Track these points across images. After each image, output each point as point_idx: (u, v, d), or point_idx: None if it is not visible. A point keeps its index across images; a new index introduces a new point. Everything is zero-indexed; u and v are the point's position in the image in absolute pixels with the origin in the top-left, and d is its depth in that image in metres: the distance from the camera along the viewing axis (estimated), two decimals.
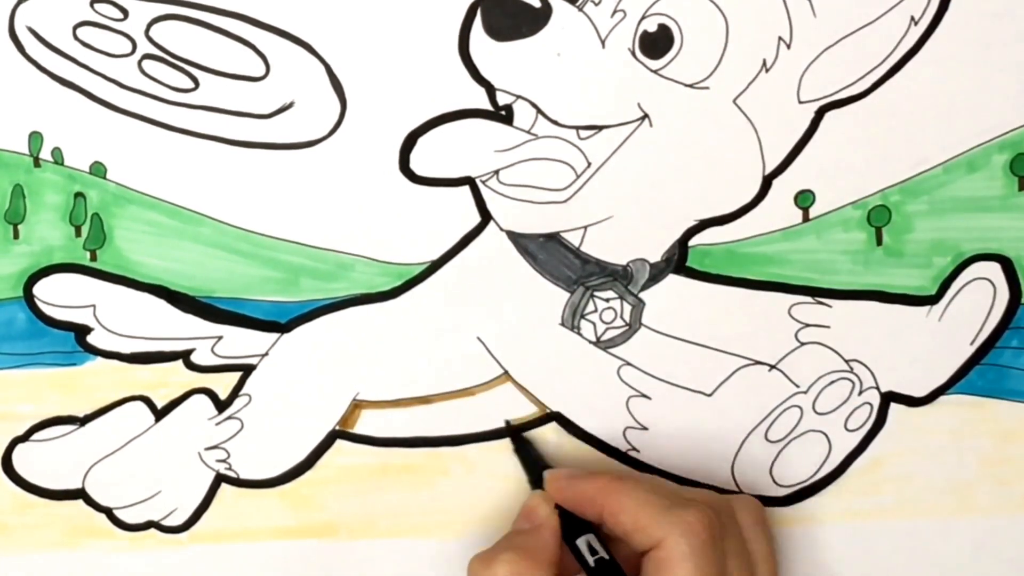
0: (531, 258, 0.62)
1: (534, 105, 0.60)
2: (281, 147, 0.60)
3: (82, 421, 0.61)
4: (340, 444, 0.62)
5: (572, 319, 0.62)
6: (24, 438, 0.61)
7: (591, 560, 0.57)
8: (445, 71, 0.60)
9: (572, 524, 0.58)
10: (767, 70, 0.60)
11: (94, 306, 0.60)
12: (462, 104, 0.60)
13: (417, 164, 0.60)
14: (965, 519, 0.64)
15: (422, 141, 0.60)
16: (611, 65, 0.60)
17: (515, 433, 0.62)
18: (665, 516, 0.55)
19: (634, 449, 0.63)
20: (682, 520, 0.55)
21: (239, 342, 0.61)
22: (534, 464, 0.61)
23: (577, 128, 0.60)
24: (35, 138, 0.60)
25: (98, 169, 0.60)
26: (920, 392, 0.63)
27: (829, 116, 0.61)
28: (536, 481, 0.60)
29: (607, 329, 0.62)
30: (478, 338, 0.62)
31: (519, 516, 0.59)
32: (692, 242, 0.62)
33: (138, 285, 0.60)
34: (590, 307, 0.62)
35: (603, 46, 0.60)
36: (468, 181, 0.61)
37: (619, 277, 0.62)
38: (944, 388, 0.63)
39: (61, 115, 0.59)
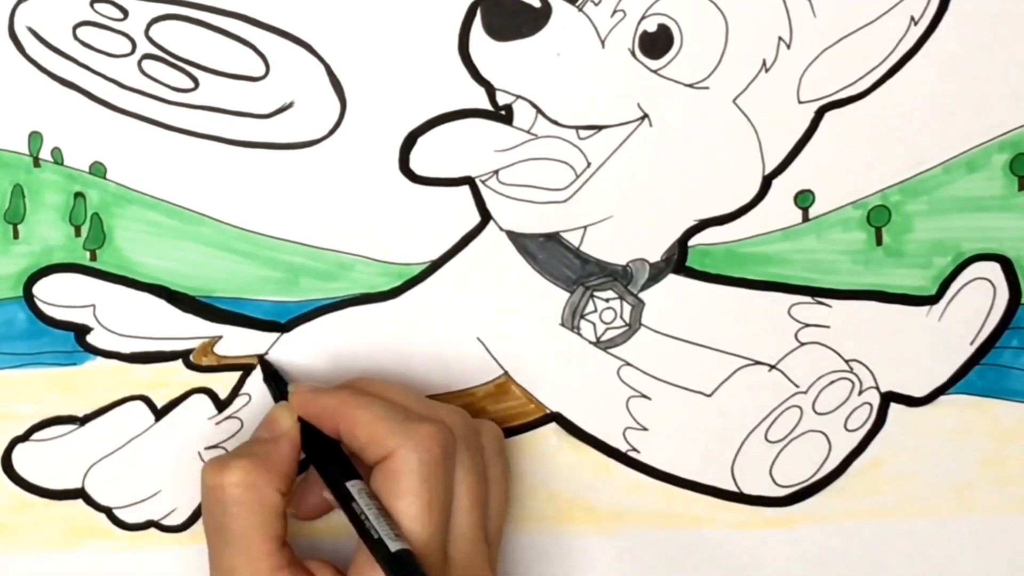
0: (531, 258, 0.62)
1: (534, 105, 0.60)
2: (281, 147, 0.60)
3: (82, 421, 0.61)
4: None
5: (572, 319, 0.62)
6: (24, 438, 0.61)
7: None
8: (445, 71, 0.60)
9: (313, 439, 0.57)
10: (767, 70, 0.60)
11: (94, 306, 0.60)
12: (462, 104, 0.60)
13: (417, 164, 0.60)
14: (965, 519, 0.64)
15: (422, 141, 0.60)
16: (611, 65, 0.60)
17: (262, 360, 0.61)
18: (399, 429, 0.55)
19: (634, 449, 0.63)
20: (415, 433, 0.54)
21: (239, 342, 0.61)
22: (280, 383, 0.60)
23: (577, 128, 0.60)
24: (35, 138, 0.60)
25: (98, 169, 0.60)
26: (920, 392, 0.63)
27: (829, 116, 0.61)
28: (278, 399, 0.60)
29: (607, 329, 0.62)
30: (478, 338, 0.62)
31: (260, 425, 0.58)
32: (692, 242, 0.62)
33: (138, 285, 0.60)
34: (590, 307, 0.62)
35: (603, 46, 0.60)
36: (468, 181, 0.61)
37: (619, 277, 0.62)
38: (944, 388, 0.63)
39: (61, 115, 0.59)
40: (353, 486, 0.55)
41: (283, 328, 0.61)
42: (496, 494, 0.58)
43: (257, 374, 0.61)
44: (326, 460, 0.57)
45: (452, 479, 0.56)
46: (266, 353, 0.61)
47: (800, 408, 0.62)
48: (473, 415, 0.61)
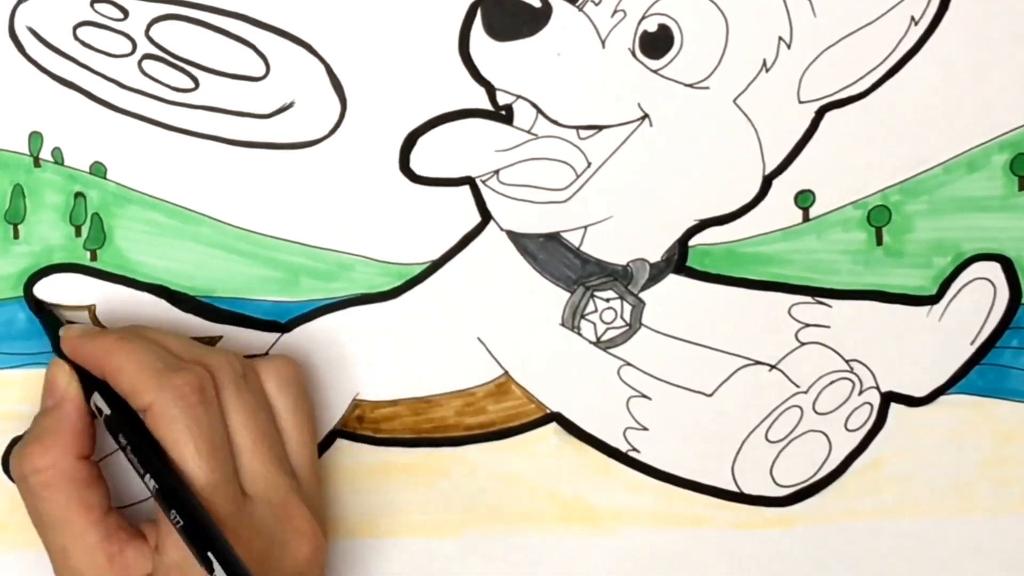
0: (531, 258, 0.62)
1: (534, 105, 0.60)
2: (281, 147, 0.60)
3: None
4: (340, 444, 0.62)
5: (572, 319, 0.62)
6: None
7: (101, 419, 0.55)
8: (445, 71, 0.60)
9: (89, 385, 0.56)
10: (767, 70, 0.60)
11: (94, 306, 0.60)
12: (462, 104, 0.60)
13: (417, 164, 0.60)
14: (965, 519, 0.64)
15: (422, 141, 0.60)
16: (611, 65, 0.60)
17: (32, 298, 0.59)
18: (156, 379, 0.54)
19: (634, 449, 0.63)
20: (170, 384, 0.54)
21: (239, 342, 0.61)
22: (54, 328, 0.59)
23: (577, 128, 0.60)
24: (35, 138, 0.59)
25: (98, 169, 0.60)
26: (920, 392, 0.63)
27: (829, 116, 0.61)
28: (55, 347, 0.58)
29: (607, 329, 0.62)
30: (478, 338, 0.62)
31: (43, 391, 0.57)
32: (692, 242, 0.62)
33: (138, 285, 0.60)
34: (590, 307, 0.62)
35: (603, 46, 0.60)
36: (468, 181, 0.61)
37: (619, 277, 0.62)
38: (944, 388, 0.63)
39: (61, 115, 0.59)
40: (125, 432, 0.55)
41: (283, 328, 0.61)
42: (292, 427, 0.57)
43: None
44: (106, 405, 0.56)
45: (220, 422, 0.55)
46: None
47: (800, 408, 0.62)
48: (473, 415, 0.61)
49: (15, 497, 0.58)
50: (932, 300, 0.62)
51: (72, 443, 0.56)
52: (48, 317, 0.59)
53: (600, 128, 0.61)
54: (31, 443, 0.56)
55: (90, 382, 0.57)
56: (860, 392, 0.63)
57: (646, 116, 0.60)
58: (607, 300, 0.62)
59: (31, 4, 0.59)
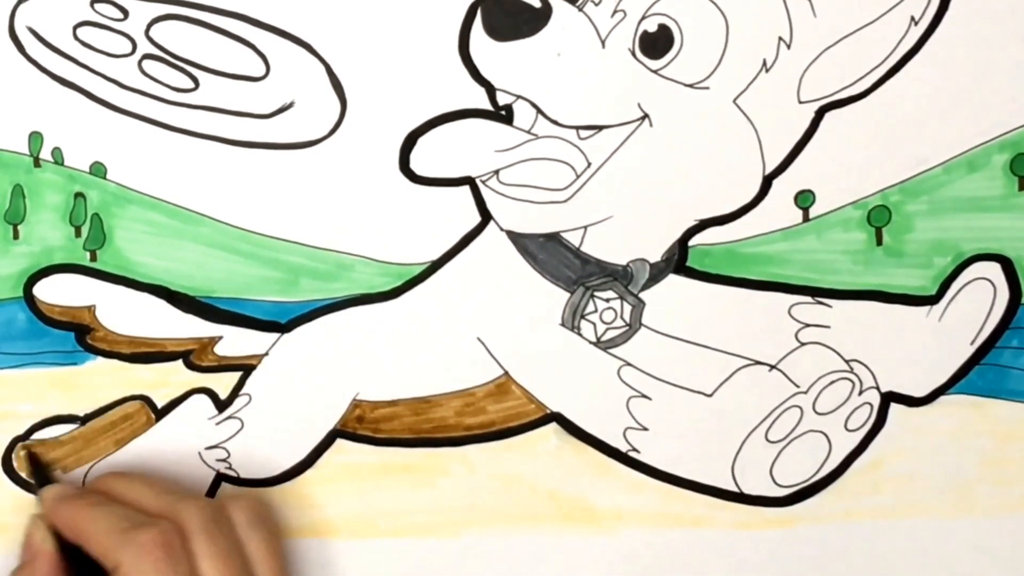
0: (531, 258, 0.62)
1: (534, 105, 0.60)
2: (281, 147, 0.60)
3: (82, 421, 0.61)
4: (340, 444, 0.62)
5: (572, 319, 0.62)
6: (24, 438, 0.61)
7: None
8: (445, 71, 0.60)
9: (67, 547, 0.57)
10: (767, 70, 0.60)
11: (94, 306, 0.60)
12: (462, 104, 0.60)
13: (417, 164, 0.60)
14: (965, 519, 0.64)
15: (422, 141, 0.60)
16: (611, 65, 0.60)
17: (29, 453, 0.61)
18: (119, 541, 0.55)
19: (634, 449, 0.63)
20: (135, 543, 0.55)
21: (239, 342, 0.61)
22: (42, 481, 0.60)
23: (577, 128, 0.60)
24: (35, 138, 0.60)
25: (98, 169, 0.60)
26: (920, 392, 0.63)
27: (829, 116, 0.61)
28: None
29: (607, 329, 0.62)
30: (478, 338, 0.62)
31: (22, 547, 0.59)
32: (692, 242, 0.62)
33: (138, 285, 0.60)
34: (590, 307, 0.62)
35: (603, 46, 0.60)
36: (468, 181, 0.61)
37: (619, 277, 0.62)
38: (944, 388, 0.63)
39: (61, 115, 0.59)
40: None
41: (283, 328, 0.61)
42: (265, 562, 0.58)
43: (257, 374, 0.61)
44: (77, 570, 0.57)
45: (187, 572, 0.56)
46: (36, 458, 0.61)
47: (800, 408, 0.62)
48: (473, 415, 0.61)
49: (15, 497, 0.58)
50: (932, 300, 0.62)
51: None
52: (39, 474, 0.60)
53: (600, 128, 0.61)
54: None
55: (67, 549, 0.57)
56: (860, 392, 0.63)
57: (646, 116, 0.60)
58: (607, 300, 0.62)
59: (31, 4, 0.59)
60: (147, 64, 0.59)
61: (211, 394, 0.61)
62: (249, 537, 0.58)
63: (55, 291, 0.60)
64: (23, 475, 0.60)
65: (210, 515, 0.57)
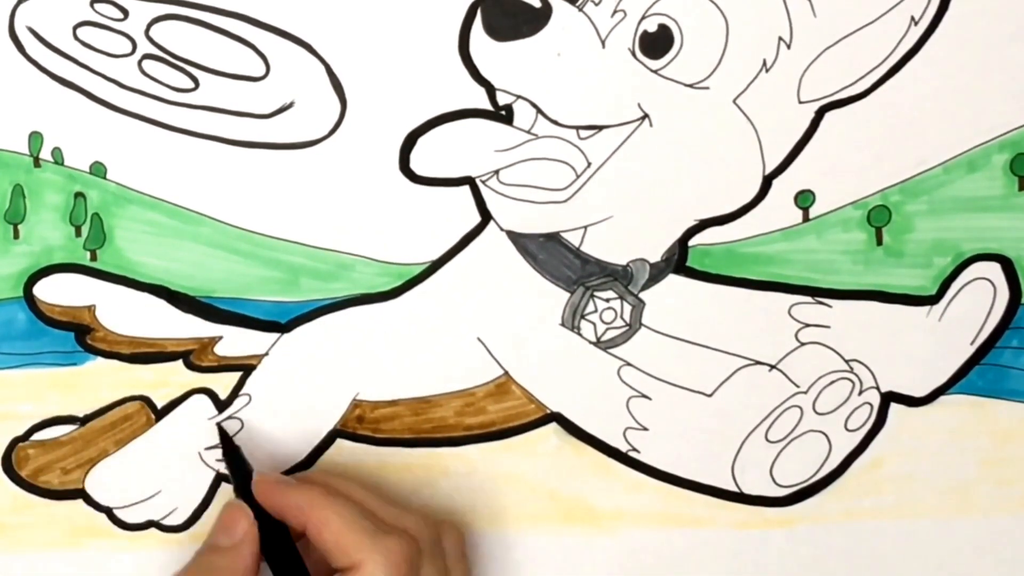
0: (531, 258, 0.62)
1: (534, 105, 0.60)
2: (281, 147, 0.60)
3: (82, 421, 0.61)
4: (340, 444, 0.62)
5: (572, 319, 0.62)
6: (24, 438, 0.61)
7: None
8: (445, 71, 0.60)
9: (272, 534, 0.57)
10: (767, 70, 0.60)
11: (94, 306, 0.60)
12: (462, 104, 0.60)
13: (417, 164, 0.60)
14: (965, 519, 0.64)
15: (422, 141, 0.60)
16: (611, 65, 0.60)
17: (225, 437, 0.60)
18: (367, 540, 0.55)
19: (634, 449, 0.63)
20: (383, 547, 0.55)
21: (239, 342, 0.61)
22: (242, 470, 0.60)
23: (577, 128, 0.60)
24: (35, 138, 0.60)
25: (98, 169, 0.60)
26: (920, 392, 0.63)
27: (829, 116, 0.61)
28: (239, 488, 0.59)
29: (607, 329, 0.62)
30: (478, 338, 0.62)
31: (217, 528, 0.58)
32: (692, 242, 0.62)
33: (138, 285, 0.60)
34: (590, 307, 0.62)
35: (603, 46, 0.60)
36: (468, 181, 0.61)
37: (619, 277, 0.62)
38: (944, 388, 0.63)
39: (61, 115, 0.59)
40: None
41: (283, 328, 0.61)
42: None
43: (257, 374, 0.61)
44: (282, 563, 0.57)
45: None
46: (231, 430, 0.61)
47: (800, 408, 0.62)
48: (473, 415, 0.61)
49: (15, 497, 0.58)
50: (932, 300, 0.62)
51: None
52: (236, 458, 0.60)
53: (600, 128, 0.61)
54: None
55: (268, 529, 0.57)
56: (860, 392, 0.63)
57: (646, 116, 0.60)
58: (607, 300, 0.62)
59: (31, 4, 0.59)
60: (147, 64, 0.59)
61: (211, 394, 0.61)
62: (455, 569, 0.58)
63: (55, 291, 0.60)
64: (218, 460, 0.60)
65: (435, 537, 0.58)
